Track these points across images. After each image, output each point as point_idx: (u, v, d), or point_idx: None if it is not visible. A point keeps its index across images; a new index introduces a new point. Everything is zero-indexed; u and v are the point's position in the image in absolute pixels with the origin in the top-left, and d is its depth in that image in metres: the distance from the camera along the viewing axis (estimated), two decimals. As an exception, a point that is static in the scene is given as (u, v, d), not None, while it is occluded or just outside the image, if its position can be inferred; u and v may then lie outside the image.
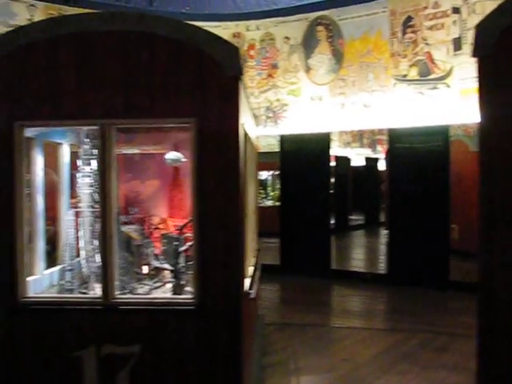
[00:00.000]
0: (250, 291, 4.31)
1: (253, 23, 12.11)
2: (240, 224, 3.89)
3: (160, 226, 5.59)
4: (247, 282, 4.33)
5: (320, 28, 11.54)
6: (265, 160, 12.12)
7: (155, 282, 4.82)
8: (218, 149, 3.80)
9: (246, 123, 4.53)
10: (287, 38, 11.85)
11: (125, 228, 4.86)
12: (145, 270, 4.97)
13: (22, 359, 3.99)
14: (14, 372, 4.00)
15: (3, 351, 3.98)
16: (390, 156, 10.92)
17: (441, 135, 9.99)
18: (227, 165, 3.81)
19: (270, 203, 17.71)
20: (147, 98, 3.85)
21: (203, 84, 3.82)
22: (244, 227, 4.08)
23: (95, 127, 4.03)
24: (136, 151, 5.73)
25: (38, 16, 10.62)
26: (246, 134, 4.45)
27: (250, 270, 4.94)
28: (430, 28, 10.14)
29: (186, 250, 4.60)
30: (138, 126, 4.23)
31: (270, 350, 6.65)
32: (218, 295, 3.84)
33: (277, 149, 12.08)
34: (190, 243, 4.47)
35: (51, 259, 4.92)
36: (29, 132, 4.09)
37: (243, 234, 4.01)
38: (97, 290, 4.55)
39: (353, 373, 5.98)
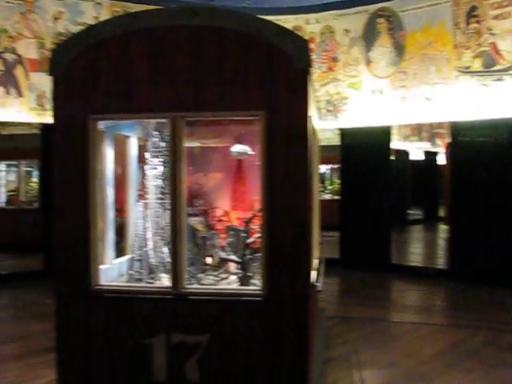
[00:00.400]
0: (317, 284, 4.31)
1: (312, 16, 12.04)
2: (308, 217, 3.90)
3: (223, 219, 5.64)
4: (313, 274, 4.33)
5: (381, 20, 11.38)
6: (323, 153, 12.07)
7: (220, 274, 4.89)
8: (287, 142, 3.81)
9: (313, 116, 4.53)
10: (347, 30, 11.74)
11: (190, 220, 4.94)
12: (210, 261, 5.04)
13: (95, 345, 4.12)
14: (87, 356, 4.13)
15: (79, 336, 4.12)
16: (452, 150, 10.70)
17: (506, 128, 9.71)
18: (296, 158, 3.81)
19: (328, 197, 17.64)
20: (217, 91, 3.89)
21: (272, 77, 3.83)
22: (311, 220, 4.08)
23: (165, 120, 4.10)
24: (196, 144, 5.80)
25: (104, 14, 10.90)
26: (312, 127, 4.45)
27: (315, 262, 4.94)
28: (496, 17, 9.84)
29: (252, 243, 4.63)
30: (207, 118, 4.28)
31: (331, 344, 6.64)
32: (285, 287, 3.85)
33: (335, 142, 12.04)
34: (256, 235, 4.50)
35: (119, 249, 5.04)
36: (100, 125, 4.19)
37: (310, 226, 4.01)
38: (163, 280, 4.65)
39: (416, 368, 5.91)
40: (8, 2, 10.25)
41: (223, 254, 4.93)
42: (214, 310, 3.97)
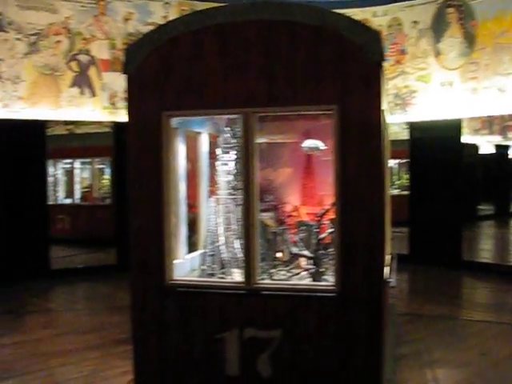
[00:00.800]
0: (390, 280, 4.25)
1: (379, 9, 11.84)
2: (381, 212, 3.84)
3: (293, 214, 5.64)
4: (386, 270, 4.28)
5: (450, 10, 11.05)
6: (391, 148, 11.88)
7: (291, 269, 4.89)
8: (360, 136, 3.77)
9: (385, 110, 4.46)
10: (415, 22, 11.47)
11: (260, 215, 4.96)
12: (280, 256, 5.05)
13: (168, 338, 4.21)
14: (162, 349, 4.22)
15: (153, 329, 4.22)
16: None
17: None
18: (369, 152, 3.77)
19: (396, 192, 17.35)
20: (289, 85, 3.88)
21: (345, 70, 3.80)
22: (385, 215, 4.02)
23: (237, 116, 4.13)
24: (264, 140, 5.82)
25: (172, 13, 11.09)
26: (384, 121, 4.38)
27: (388, 258, 4.87)
28: None
29: (325, 238, 4.61)
30: (279, 114, 4.28)
31: (402, 341, 6.53)
32: (359, 283, 3.82)
33: (402, 137, 11.82)
34: (329, 230, 4.48)
35: (190, 244, 5.12)
36: (173, 122, 4.26)
37: (384, 221, 3.96)
38: (234, 275, 4.69)
39: (492, 368, 5.74)
40: (82, 6, 10.62)
41: (295, 250, 4.92)
42: (286, 305, 3.98)
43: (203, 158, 5.23)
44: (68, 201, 16.42)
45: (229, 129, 4.73)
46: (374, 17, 11.83)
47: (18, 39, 10.06)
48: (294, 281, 4.60)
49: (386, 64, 11.16)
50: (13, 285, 9.80)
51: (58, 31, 10.42)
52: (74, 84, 10.62)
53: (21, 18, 10.06)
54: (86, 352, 6.31)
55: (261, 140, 5.75)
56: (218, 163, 4.97)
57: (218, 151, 4.96)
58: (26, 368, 5.84)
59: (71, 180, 16.58)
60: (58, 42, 10.43)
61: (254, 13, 3.98)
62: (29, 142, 10.44)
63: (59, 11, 10.42)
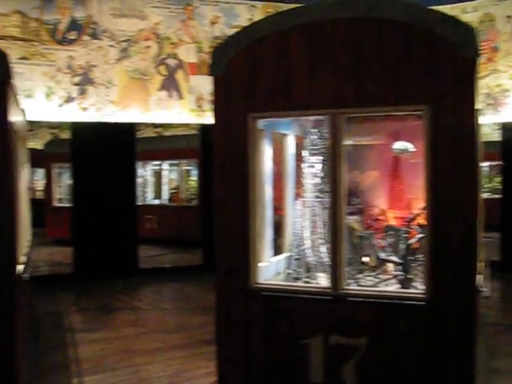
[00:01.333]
0: (484, 288, 4.03)
1: (469, 4, 11.37)
2: (475, 217, 3.65)
3: (380, 218, 5.49)
4: (479, 278, 4.06)
5: (548, 3, 10.49)
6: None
7: (378, 274, 4.75)
8: (454, 136, 3.59)
9: (479, 110, 4.24)
10: (509, 17, 10.95)
11: (347, 218, 4.85)
12: (367, 261, 4.92)
13: (253, 341, 4.18)
14: (246, 351, 4.20)
15: (238, 332, 4.21)
16: None
17: None
18: (463, 154, 3.58)
19: (486, 195, 16.61)
20: (378, 85, 3.75)
21: (436, 68, 3.63)
22: (478, 219, 3.82)
23: (324, 117, 4.05)
24: (349, 143, 5.71)
25: (258, 15, 11.12)
26: (478, 121, 4.17)
27: (481, 265, 4.63)
28: None
29: (414, 243, 4.45)
30: (368, 114, 4.17)
31: (495, 353, 6.22)
32: (450, 291, 3.64)
33: (492, 138, 11.32)
34: (420, 236, 4.32)
35: (275, 247, 5.08)
36: (259, 123, 4.23)
37: (478, 226, 3.76)
38: (320, 280, 4.61)
39: None
40: (171, 12, 10.88)
41: (383, 255, 4.78)
42: (373, 312, 3.86)
43: (289, 160, 5.18)
44: (156, 201, 16.87)
45: (316, 130, 4.65)
46: (464, 13, 11.36)
47: (111, 46, 10.44)
48: (382, 287, 4.46)
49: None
50: (103, 282, 10.16)
51: (148, 37, 10.73)
52: (163, 87, 10.89)
53: (113, 25, 10.46)
54: (170, 351, 6.43)
55: (347, 142, 5.66)
56: (304, 165, 4.90)
57: (305, 153, 4.89)
58: (114, 364, 6.03)
59: (159, 181, 17.02)
60: (148, 47, 10.74)
61: (342, 11, 3.88)
62: (119, 144, 10.81)
63: (148, 17, 10.73)
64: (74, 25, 10.24)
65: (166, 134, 15.26)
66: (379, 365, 3.86)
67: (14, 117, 4.57)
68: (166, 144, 15.61)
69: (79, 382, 5.56)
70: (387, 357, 3.83)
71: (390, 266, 4.77)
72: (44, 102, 10.07)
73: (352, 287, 4.12)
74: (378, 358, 3.85)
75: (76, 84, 10.27)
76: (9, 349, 4.05)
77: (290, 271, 4.80)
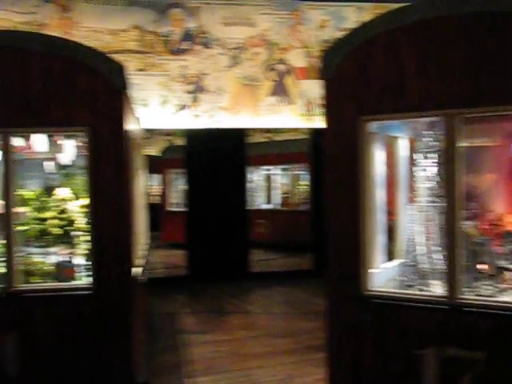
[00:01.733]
0: None
1: None
2: None
3: (497, 223, 5.18)
4: None
5: None
6: None
7: (497, 283, 4.46)
8: None
9: None
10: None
11: (463, 224, 4.62)
12: (485, 269, 4.64)
13: (363, 349, 4.08)
14: (356, 360, 4.11)
15: (348, 339, 4.14)
16: None
17: None
18: None
19: None
20: (497, 83, 3.54)
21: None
22: None
23: (439, 118, 3.88)
24: (463, 144, 5.44)
25: (366, 17, 10.93)
26: None
27: None
28: None
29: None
30: (488, 114, 3.93)
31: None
32: None
33: None
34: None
35: (387, 253, 4.93)
36: (372, 126, 4.13)
37: None
38: (434, 288, 4.40)
39: None
40: (279, 18, 10.97)
41: (503, 263, 4.49)
42: (493, 324, 3.64)
43: (402, 163, 5.01)
44: (267, 206, 17.02)
45: (429, 132, 4.46)
46: None
47: (222, 54, 10.68)
48: (502, 297, 4.18)
49: None
50: (216, 285, 10.38)
51: (257, 43, 10.86)
52: (272, 93, 10.97)
53: (223, 33, 10.71)
54: (280, 356, 6.44)
55: (462, 144, 5.41)
56: (416, 169, 4.71)
57: (417, 156, 4.71)
58: (225, 366, 6.13)
59: (269, 186, 17.17)
60: (257, 53, 10.87)
61: (454, 6, 3.69)
62: (230, 150, 11.01)
63: (258, 24, 10.88)
64: (187, 35, 10.60)
65: (277, 138, 15.37)
66: (498, 381, 3.62)
67: (130, 125, 4.76)
68: (276, 149, 15.73)
69: (192, 382, 5.69)
70: (509, 373, 3.58)
71: (509, 275, 4.47)
72: (159, 110, 10.49)
73: (469, 296, 3.89)
74: (498, 373, 3.62)
75: (189, 92, 10.60)
76: (126, 348, 4.21)
77: (403, 278, 4.63)
